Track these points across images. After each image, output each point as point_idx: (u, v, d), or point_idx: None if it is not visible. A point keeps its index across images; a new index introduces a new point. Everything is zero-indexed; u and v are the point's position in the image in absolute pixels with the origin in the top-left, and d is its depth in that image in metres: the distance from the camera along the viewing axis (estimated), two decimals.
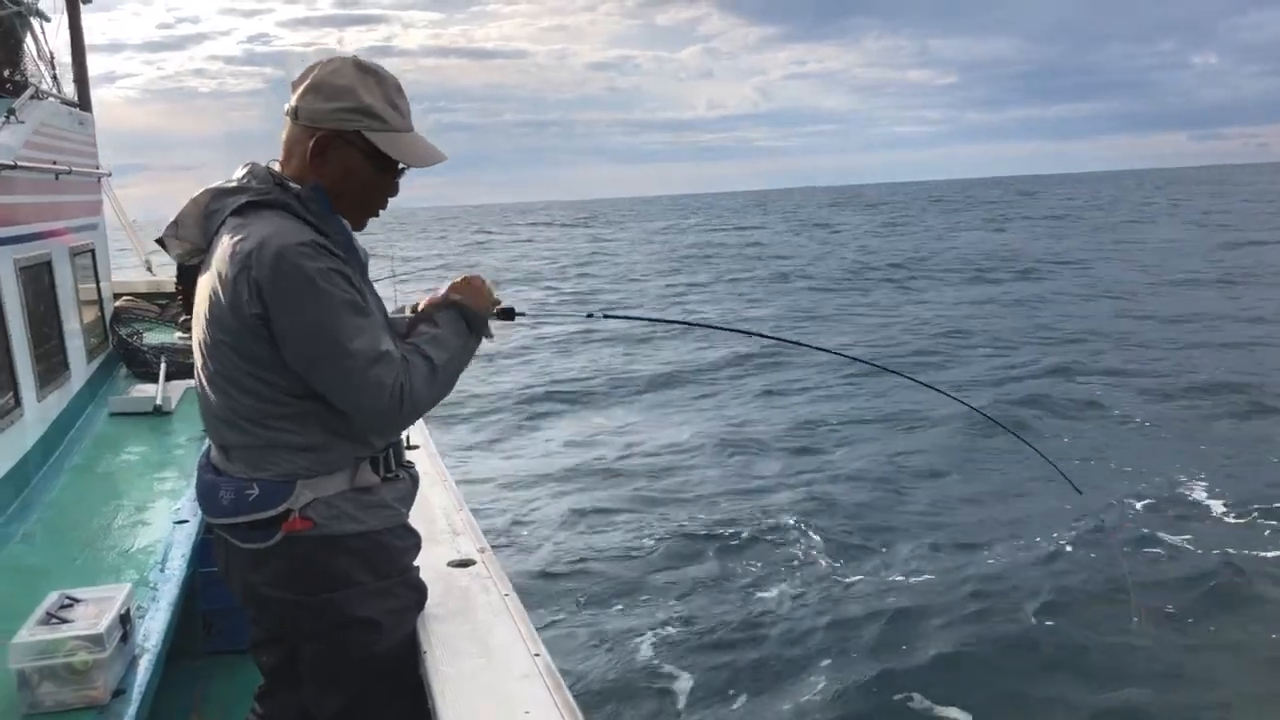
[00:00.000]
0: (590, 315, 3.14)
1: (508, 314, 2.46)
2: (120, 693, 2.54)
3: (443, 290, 2.38)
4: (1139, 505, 9.21)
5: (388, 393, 2.05)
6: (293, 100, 2.20)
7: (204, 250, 2.21)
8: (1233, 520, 8.82)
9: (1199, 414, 12.54)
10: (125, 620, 2.64)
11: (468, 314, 2.31)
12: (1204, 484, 9.70)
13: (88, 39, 7.42)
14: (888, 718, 5.97)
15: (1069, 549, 8.17)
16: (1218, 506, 9.13)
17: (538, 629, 2.34)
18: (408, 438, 3.06)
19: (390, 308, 2.39)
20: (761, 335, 3.85)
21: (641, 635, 6.96)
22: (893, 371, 3.43)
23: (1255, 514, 8.84)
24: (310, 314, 2.01)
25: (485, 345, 2.41)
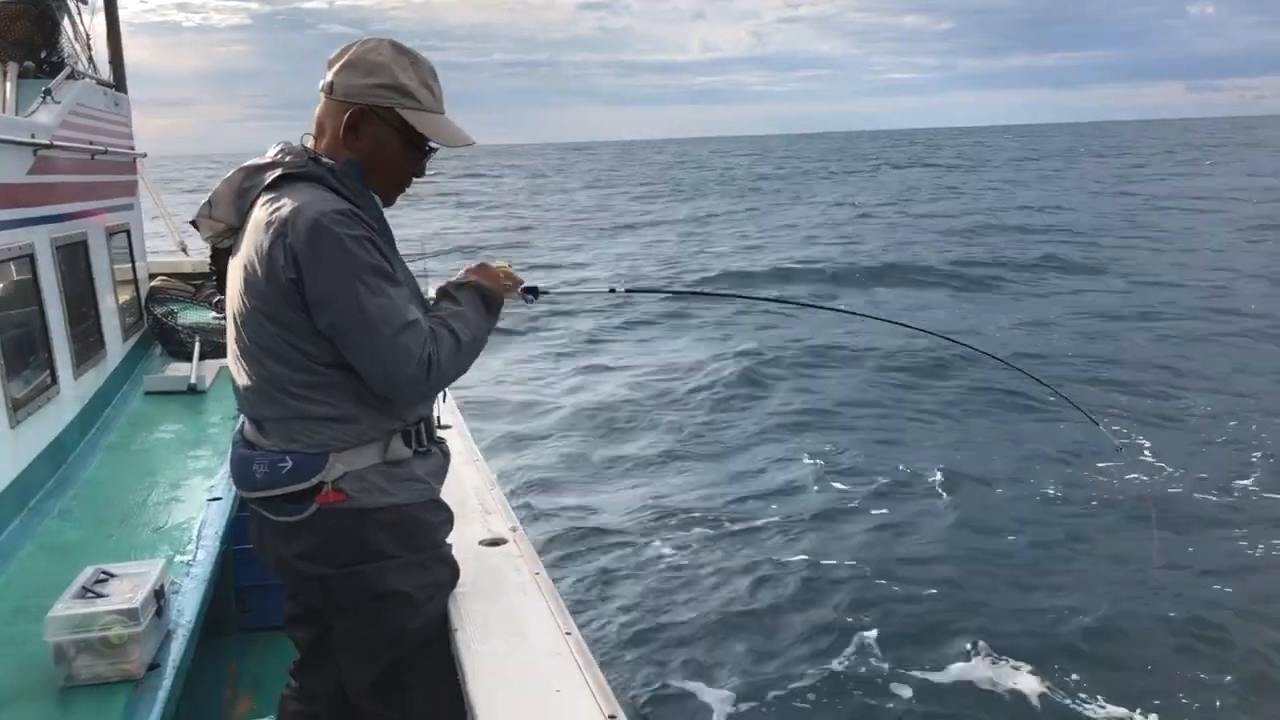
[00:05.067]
0: (612, 290, 3.14)
1: (532, 292, 2.57)
2: (155, 667, 2.56)
3: (459, 274, 2.45)
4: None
5: (415, 360, 2.07)
6: (328, 76, 2.25)
7: (236, 230, 2.24)
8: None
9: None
10: (160, 595, 2.66)
11: (486, 295, 2.36)
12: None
13: None
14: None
15: (1093, 490, 8.48)
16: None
17: (569, 608, 2.34)
18: (439, 416, 3.06)
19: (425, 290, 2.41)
20: (786, 301, 3.74)
21: (674, 613, 6.97)
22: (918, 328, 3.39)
23: None
24: (342, 280, 2.03)
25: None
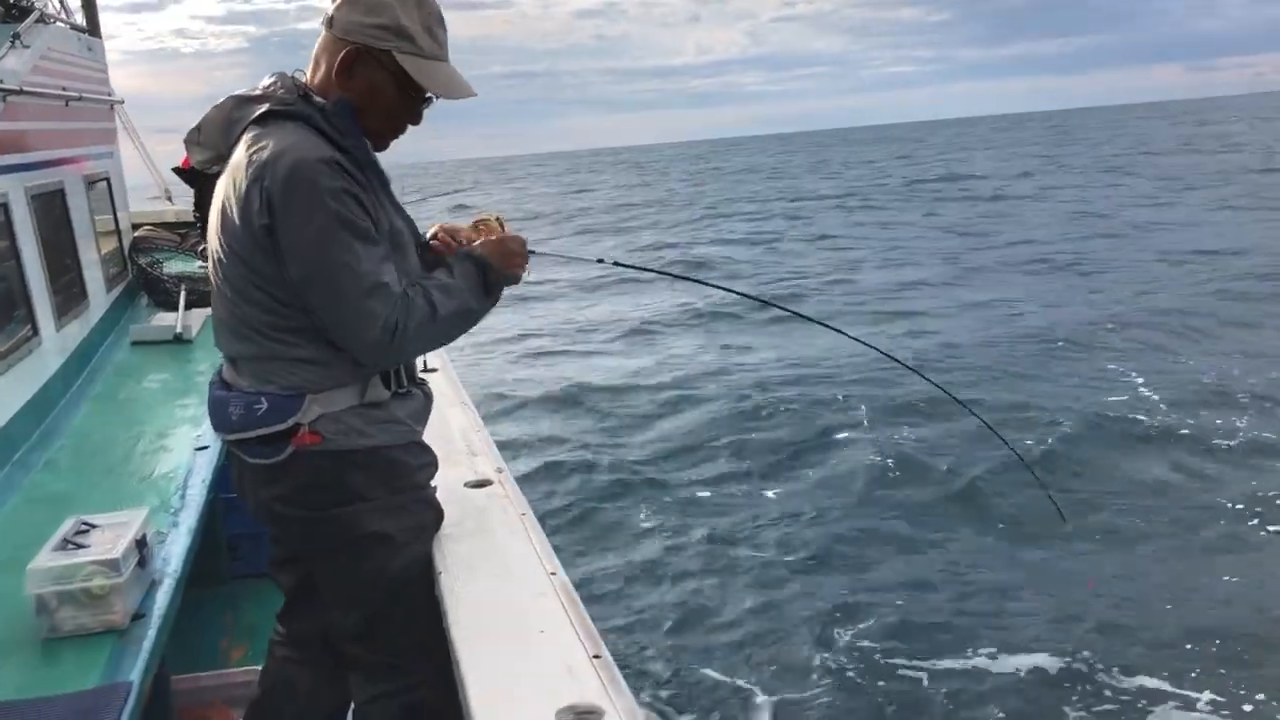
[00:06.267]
0: (600, 261, 3.05)
1: None
2: (140, 616, 2.53)
3: (465, 233, 2.34)
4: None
5: (379, 325, 1.99)
6: (330, 9, 2.14)
7: (225, 158, 2.15)
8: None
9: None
10: (142, 545, 2.62)
11: (490, 275, 2.21)
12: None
13: None
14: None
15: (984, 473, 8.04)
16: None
17: (555, 548, 2.30)
18: (425, 360, 3.01)
19: None
20: (774, 305, 3.49)
21: (659, 552, 7.00)
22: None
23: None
24: (313, 232, 1.96)
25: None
